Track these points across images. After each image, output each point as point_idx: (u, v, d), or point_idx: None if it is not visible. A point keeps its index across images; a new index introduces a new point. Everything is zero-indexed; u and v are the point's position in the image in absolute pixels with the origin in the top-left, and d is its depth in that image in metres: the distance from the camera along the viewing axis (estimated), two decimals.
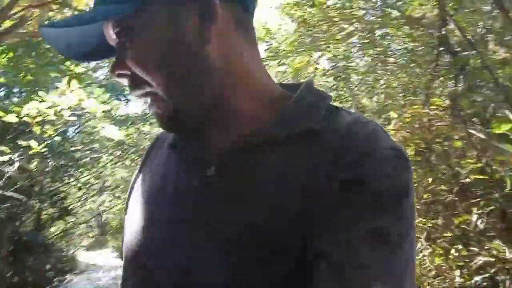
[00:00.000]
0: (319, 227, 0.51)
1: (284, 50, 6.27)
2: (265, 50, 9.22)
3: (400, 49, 4.73)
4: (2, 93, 6.26)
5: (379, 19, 4.86)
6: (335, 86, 5.88)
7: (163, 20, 0.58)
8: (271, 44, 6.49)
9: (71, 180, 8.80)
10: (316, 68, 5.30)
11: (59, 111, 4.72)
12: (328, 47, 5.51)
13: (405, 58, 4.55)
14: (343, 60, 5.33)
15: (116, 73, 0.60)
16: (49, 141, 5.22)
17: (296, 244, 0.51)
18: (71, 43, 0.62)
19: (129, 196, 0.72)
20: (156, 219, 0.63)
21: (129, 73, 0.59)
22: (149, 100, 0.61)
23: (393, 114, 3.61)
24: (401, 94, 4.46)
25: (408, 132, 3.41)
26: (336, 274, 0.49)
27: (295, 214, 0.53)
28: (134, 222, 0.66)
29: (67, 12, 3.89)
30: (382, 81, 5.05)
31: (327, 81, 5.84)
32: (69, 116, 4.83)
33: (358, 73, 5.85)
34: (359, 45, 5.31)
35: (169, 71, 0.58)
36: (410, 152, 3.26)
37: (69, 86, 4.53)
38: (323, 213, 0.52)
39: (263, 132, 0.59)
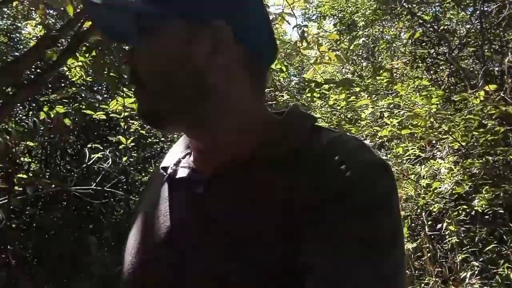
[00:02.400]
0: (306, 240, 0.52)
1: (364, 20, 5.73)
2: (335, 23, 8.67)
3: None
4: (94, 93, 6.53)
5: None
6: (428, 54, 5.23)
7: (179, 33, 0.62)
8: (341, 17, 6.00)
9: None
10: (412, 35, 4.70)
11: None
12: (421, 11, 4.89)
13: None
14: (441, 24, 4.68)
15: (123, 61, 0.66)
16: (135, 135, 5.31)
17: (284, 257, 0.53)
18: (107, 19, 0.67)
19: (132, 221, 0.74)
20: (150, 236, 0.65)
21: (132, 64, 0.63)
22: (136, 94, 0.65)
23: None
24: None
25: None
26: (327, 284, 0.50)
27: (281, 229, 0.54)
28: (132, 244, 0.68)
29: None
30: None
31: (423, 49, 5.19)
32: None
33: (456, 35, 5.14)
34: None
35: (167, 78, 0.61)
36: None
37: None
38: (309, 227, 0.53)
39: (249, 154, 0.61)
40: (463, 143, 3.12)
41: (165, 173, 0.70)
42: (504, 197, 3.24)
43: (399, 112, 3.14)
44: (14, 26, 6.49)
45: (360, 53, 6.95)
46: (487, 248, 3.78)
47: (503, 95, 3.21)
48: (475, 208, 3.34)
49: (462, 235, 4.23)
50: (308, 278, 0.51)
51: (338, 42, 8.28)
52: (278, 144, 0.62)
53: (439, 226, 4.23)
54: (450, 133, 3.05)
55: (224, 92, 0.63)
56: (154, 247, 0.64)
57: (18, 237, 4.57)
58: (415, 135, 3.36)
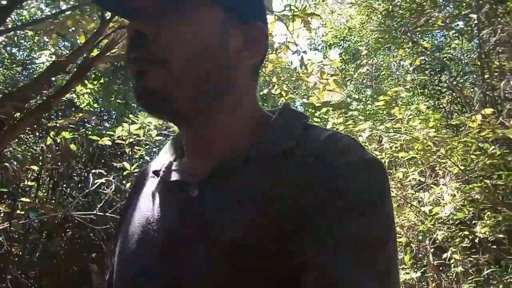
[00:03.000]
0: (301, 239, 0.52)
1: (367, 49, 5.85)
2: (340, 53, 8.88)
3: None
4: (100, 120, 6.69)
5: None
6: (430, 81, 5.30)
7: (217, 21, 0.60)
8: (347, 47, 6.13)
9: None
10: (411, 62, 4.78)
11: (147, 132, 4.83)
12: (420, 38, 4.99)
13: None
14: (439, 51, 4.76)
15: (136, 26, 0.59)
16: (140, 162, 5.38)
17: (280, 257, 0.53)
18: None
19: (118, 230, 0.72)
20: (144, 242, 0.63)
21: (154, 37, 0.58)
22: (145, 68, 0.59)
23: None
24: None
25: None
26: (324, 282, 0.50)
27: (277, 229, 0.54)
28: (124, 249, 0.66)
29: None
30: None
31: (424, 75, 5.26)
32: (156, 135, 4.92)
33: (455, 64, 5.22)
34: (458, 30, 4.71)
35: (195, 63, 0.59)
36: None
37: None
38: (304, 226, 0.53)
39: (242, 154, 0.61)
40: (462, 167, 3.11)
41: (156, 177, 0.69)
42: (505, 223, 3.20)
43: (398, 136, 3.16)
44: (30, 57, 6.76)
45: (364, 81, 7.05)
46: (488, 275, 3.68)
47: (501, 119, 3.23)
48: (476, 234, 3.29)
49: (468, 264, 4.13)
50: (303, 277, 0.51)
51: (344, 71, 8.44)
52: (272, 143, 0.61)
53: (444, 255, 4.16)
54: (449, 156, 3.05)
55: (241, 92, 0.64)
56: (148, 252, 0.62)
57: (20, 263, 4.57)
58: (415, 159, 3.37)
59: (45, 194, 6.27)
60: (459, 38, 4.62)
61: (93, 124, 4.75)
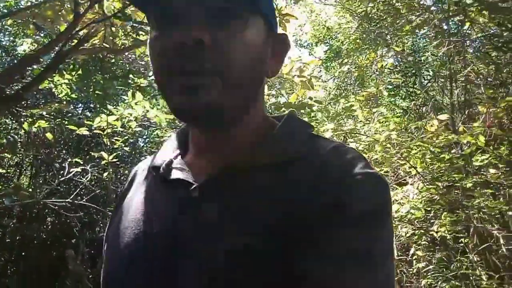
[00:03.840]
0: (303, 248, 0.52)
1: (346, 49, 5.97)
2: (325, 51, 9.02)
3: (480, 37, 4.21)
4: (80, 109, 6.74)
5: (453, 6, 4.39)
6: (404, 83, 5.44)
7: (262, 33, 0.61)
8: (331, 44, 6.23)
9: None
10: (383, 65, 4.93)
11: (127, 123, 4.91)
12: (395, 41, 5.12)
13: (487, 46, 4.04)
14: (411, 55, 4.90)
15: (197, 33, 0.55)
16: (119, 152, 5.46)
17: (280, 264, 0.52)
18: None
19: (109, 225, 0.71)
20: (140, 241, 0.62)
21: (206, 40, 0.55)
22: (201, 81, 0.56)
23: (481, 109, 3.17)
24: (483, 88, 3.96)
25: (501, 128, 2.98)
26: None
27: (278, 236, 0.53)
28: (117, 246, 0.65)
29: (129, 26, 3.99)
30: (459, 75, 4.54)
31: (397, 78, 5.42)
32: (135, 127, 5.00)
33: (431, 67, 5.36)
34: (430, 37, 4.85)
35: (247, 73, 0.59)
36: (504, 151, 2.85)
37: (133, 98, 4.69)
38: (306, 235, 0.53)
39: (246, 160, 0.61)
40: (420, 169, 3.26)
41: (155, 173, 0.68)
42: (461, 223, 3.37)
43: (359, 138, 3.30)
44: (14, 43, 6.75)
45: (345, 80, 7.18)
46: (450, 274, 3.87)
47: (460, 124, 3.38)
48: (431, 232, 3.46)
49: (433, 261, 4.33)
50: (303, 284, 0.51)
51: (328, 68, 8.55)
52: (278, 151, 0.61)
53: (411, 251, 4.35)
54: (407, 159, 3.20)
55: (262, 97, 0.67)
56: (144, 251, 0.60)
57: None
58: (378, 160, 3.51)
59: (26, 181, 6.34)
60: (430, 42, 4.76)
61: (70, 114, 4.81)
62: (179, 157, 0.68)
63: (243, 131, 0.64)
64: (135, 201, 0.68)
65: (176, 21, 0.57)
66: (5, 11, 6.07)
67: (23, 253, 5.07)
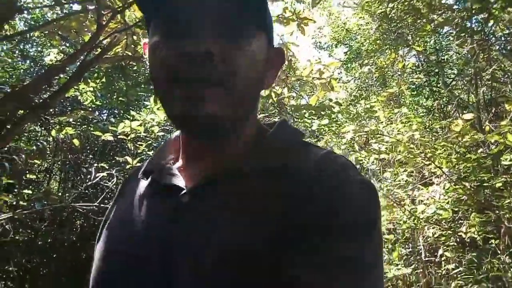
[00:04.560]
0: (292, 254, 0.52)
1: (366, 50, 5.91)
2: (345, 52, 8.93)
3: (505, 34, 4.10)
4: (104, 116, 6.93)
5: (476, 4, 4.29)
6: (427, 83, 5.34)
7: (264, 47, 0.63)
8: (351, 45, 6.18)
9: None
10: (404, 65, 4.86)
11: (150, 128, 5.01)
12: (417, 41, 5.04)
13: None
14: (434, 54, 4.81)
15: (205, 48, 0.55)
16: (143, 156, 5.57)
17: (268, 269, 0.52)
18: None
19: (102, 229, 0.71)
20: (132, 245, 0.62)
21: (216, 53, 0.56)
22: (204, 91, 0.57)
23: (508, 107, 3.07)
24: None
25: None
26: None
27: (266, 242, 0.53)
28: (108, 251, 0.65)
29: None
30: (484, 73, 4.43)
31: (419, 78, 5.33)
32: (158, 131, 5.10)
33: (454, 66, 5.25)
34: (453, 35, 4.75)
35: (249, 85, 0.60)
36: None
37: (156, 104, 4.78)
38: (294, 242, 0.53)
39: (237, 166, 0.61)
40: (446, 169, 3.19)
41: (146, 179, 0.68)
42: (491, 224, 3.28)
43: (382, 139, 3.26)
44: (42, 53, 7.01)
45: (366, 81, 7.11)
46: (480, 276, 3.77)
47: (487, 123, 3.29)
48: (460, 233, 3.38)
49: (463, 263, 4.22)
50: None
51: (348, 70, 8.48)
52: (269, 156, 0.62)
53: (440, 252, 4.25)
54: (432, 159, 3.14)
55: (257, 107, 0.68)
56: (135, 257, 0.60)
57: (27, 250, 4.81)
58: (401, 160, 3.46)
59: (56, 185, 6.54)
60: (453, 41, 4.66)
61: (95, 120, 4.95)
62: (171, 163, 0.69)
63: (236, 140, 0.64)
64: (127, 206, 0.68)
65: (186, 30, 0.57)
66: (33, 23, 6.31)
67: (54, 255, 5.23)
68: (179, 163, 0.68)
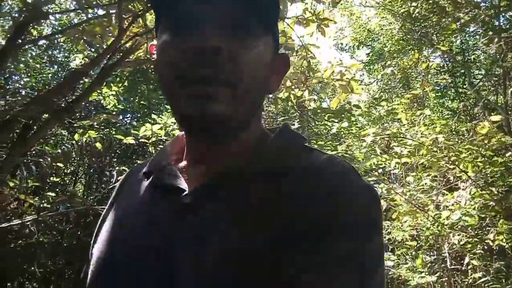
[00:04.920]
0: (294, 255, 0.52)
1: (389, 51, 5.79)
2: (367, 53, 8.79)
3: None
4: (128, 119, 7.06)
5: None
6: (453, 84, 5.19)
7: (270, 50, 0.64)
8: (373, 46, 6.06)
9: None
10: (428, 66, 4.73)
11: (170, 131, 5.07)
12: (442, 40, 4.90)
13: None
14: (460, 54, 4.66)
15: (212, 44, 0.55)
16: None
17: (269, 270, 0.52)
18: None
19: (99, 228, 0.70)
20: (130, 245, 0.61)
21: (222, 48, 0.56)
22: (211, 90, 0.57)
23: None
24: None
25: None
26: None
27: (268, 243, 0.53)
28: (105, 250, 0.64)
29: None
30: None
31: (444, 78, 5.18)
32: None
33: (481, 66, 5.08)
34: (479, 34, 4.59)
35: (256, 86, 0.60)
36: None
37: None
38: (297, 243, 0.53)
39: (238, 169, 0.61)
40: (472, 174, 3.08)
41: (147, 179, 0.68)
42: None
43: (405, 142, 3.17)
44: (68, 59, 7.21)
45: (389, 83, 6.97)
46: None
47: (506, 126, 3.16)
48: (487, 241, 3.24)
49: (490, 272, 4.05)
50: None
51: (371, 71, 8.34)
52: (271, 160, 0.62)
53: (466, 260, 4.10)
54: (457, 163, 3.03)
55: (261, 111, 0.69)
56: (136, 257, 0.59)
57: (53, 252, 4.93)
58: (424, 164, 3.36)
59: (81, 188, 6.71)
60: (480, 40, 4.51)
61: (118, 124, 5.03)
62: (174, 163, 0.68)
63: (240, 143, 0.64)
64: (126, 205, 0.68)
65: (194, 27, 0.58)
66: (59, 28, 6.50)
67: (78, 257, 5.34)
68: (182, 164, 0.68)
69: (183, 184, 0.63)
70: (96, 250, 0.66)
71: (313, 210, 0.55)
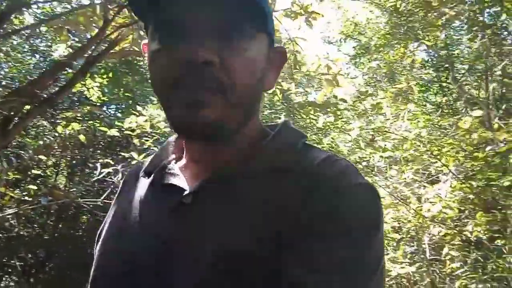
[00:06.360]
0: (291, 256, 0.52)
1: (375, 45, 5.83)
2: (354, 47, 8.84)
3: None
4: (112, 111, 6.96)
5: None
6: (436, 78, 5.26)
7: (265, 50, 0.62)
8: (360, 40, 6.10)
9: None
10: (413, 60, 4.78)
11: (156, 123, 5.01)
12: (427, 35, 4.95)
13: None
14: (444, 48, 4.72)
15: (204, 56, 0.54)
16: (149, 152, 5.58)
17: (268, 270, 0.52)
18: None
19: (102, 228, 0.70)
20: (132, 244, 0.62)
21: (213, 61, 0.55)
22: (204, 98, 0.56)
23: None
24: None
25: None
26: None
27: (266, 242, 0.53)
28: (108, 250, 0.65)
29: None
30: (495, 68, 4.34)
31: (429, 73, 5.24)
32: (164, 127, 5.10)
33: (465, 61, 5.16)
34: (464, 29, 4.66)
35: (251, 90, 0.60)
36: None
37: None
38: (295, 243, 0.53)
39: (239, 168, 0.61)
40: (452, 168, 3.14)
41: (147, 178, 0.68)
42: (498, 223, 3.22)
43: (388, 136, 3.22)
44: (51, 48, 7.05)
45: (374, 76, 7.02)
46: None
47: (496, 120, 3.23)
48: (466, 233, 3.33)
49: (468, 262, 4.17)
50: None
51: (357, 65, 8.39)
52: (270, 158, 0.62)
53: (444, 251, 4.21)
54: (439, 157, 3.09)
55: (259, 109, 0.67)
56: (135, 255, 0.60)
57: (33, 245, 4.86)
58: (407, 158, 3.42)
59: (63, 181, 6.61)
60: (464, 35, 4.58)
61: (102, 116, 4.96)
62: (173, 162, 0.69)
63: (238, 142, 0.64)
64: (128, 205, 0.68)
65: (183, 36, 0.56)
66: (42, 17, 6.34)
67: (59, 250, 5.29)
68: (181, 162, 0.68)
69: (182, 183, 0.63)
70: (98, 250, 0.67)
71: (312, 210, 0.54)
